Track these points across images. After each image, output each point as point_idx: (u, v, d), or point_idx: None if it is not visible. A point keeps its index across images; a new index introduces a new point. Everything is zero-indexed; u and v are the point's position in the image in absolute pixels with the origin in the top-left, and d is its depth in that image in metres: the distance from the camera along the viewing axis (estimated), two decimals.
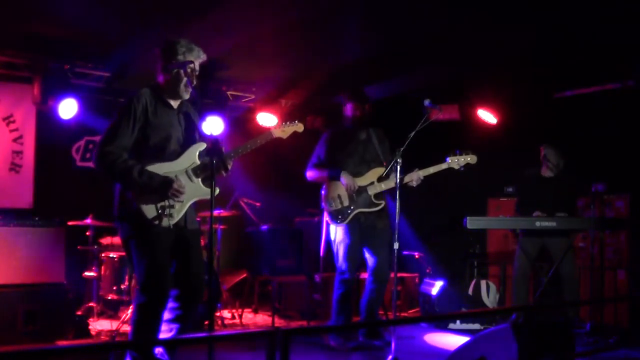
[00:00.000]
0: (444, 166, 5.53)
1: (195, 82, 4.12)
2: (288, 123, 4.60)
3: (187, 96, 4.16)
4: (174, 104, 4.19)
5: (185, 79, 4.06)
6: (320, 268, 6.95)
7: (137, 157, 3.98)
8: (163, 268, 4.01)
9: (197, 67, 4.15)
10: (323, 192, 5.81)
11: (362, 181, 5.70)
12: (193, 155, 4.15)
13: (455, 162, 5.51)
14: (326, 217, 5.83)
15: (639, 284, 6.85)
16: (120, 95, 7.62)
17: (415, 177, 5.53)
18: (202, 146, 4.16)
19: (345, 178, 5.66)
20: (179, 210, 4.08)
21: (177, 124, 4.17)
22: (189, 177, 4.12)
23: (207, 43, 4.25)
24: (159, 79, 4.16)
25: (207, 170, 3.95)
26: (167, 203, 4.00)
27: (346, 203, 5.68)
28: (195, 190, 4.12)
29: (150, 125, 4.02)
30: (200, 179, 4.14)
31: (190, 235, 4.18)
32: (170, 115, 4.15)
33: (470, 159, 5.52)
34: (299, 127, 4.64)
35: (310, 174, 5.93)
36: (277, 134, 4.52)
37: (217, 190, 3.98)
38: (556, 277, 6.44)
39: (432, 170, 5.57)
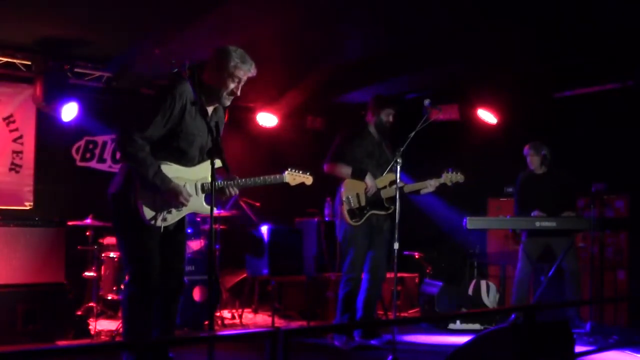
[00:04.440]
0: (441, 181, 5.71)
1: (239, 95, 4.10)
2: (301, 172, 4.62)
3: (227, 104, 4.14)
4: (210, 109, 4.13)
5: (230, 88, 4.04)
6: (335, 266, 6.97)
7: (158, 151, 3.95)
8: (153, 256, 4.00)
9: (244, 80, 4.10)
10: (342, 189, 5.80)
11: (378, 184, 5.79)
12: (208, 168, 4.01)
13: (448, 179, 5.68)
14: (341, 216, 5.82)
15: (639, 284, 6.85)
16: (120, 96, 7.63)
17: (432, 184, 5.73)
18: (219, 163, 4.05)
19: (369, 179, 5.72)
20: (174, 217, 4.08)
21: (207, 131, 4.08)
22: (196, 190, 4.11)
23: (207, 43, 4.25)
24: (205, 77, 4.09)
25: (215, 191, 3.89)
26: (166, 207, 4.00)
27: (363, 203, 5.74)
28: (195, 204, 4.11)
29: (181, 125, 3.97)
30: (204, 195, 4.13)
31: (175, 230, 4.16)
32: (204, 121, 4.06)
33: (460, 178, 5.70)
34: (308, 179, 4.66)
35: (330, 168, 5.89)
36: (287, 179, 4.55)
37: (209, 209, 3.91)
38: (559, 274, 6.46)
39: (432, 183, 5.74)
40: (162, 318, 4.12)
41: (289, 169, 4.57)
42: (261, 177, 4.36)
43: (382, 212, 5.79)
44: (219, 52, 4.06)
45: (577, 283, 6.48)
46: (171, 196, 3.94)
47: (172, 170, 4.00)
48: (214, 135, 4.03)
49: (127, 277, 4.05)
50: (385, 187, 5.79)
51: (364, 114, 6.11)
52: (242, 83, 4.09)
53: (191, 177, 4.10)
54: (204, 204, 4.13)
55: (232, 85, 4.04)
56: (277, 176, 4.49)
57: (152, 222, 3.97)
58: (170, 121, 3.92)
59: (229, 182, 4.14)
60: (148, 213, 3.96)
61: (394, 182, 5.69)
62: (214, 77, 4.05)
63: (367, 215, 5.74)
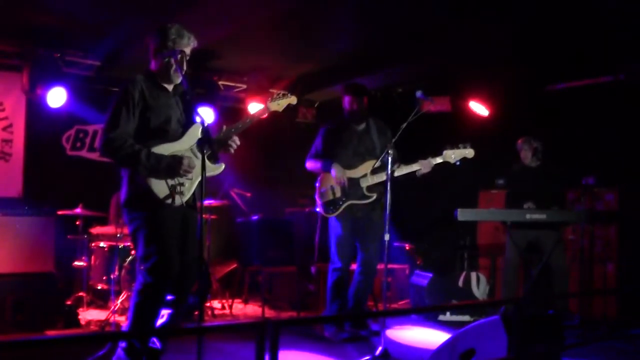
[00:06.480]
0: (437, 160, 5.42)
1: (185, 68, 4.15)
2: (281, 95, 4.61)
3: (178, 80, 4.19)
4: (169, 87, 4.23)
5: (175, 66, 4.08)
6: (315, 258, 6.98)
7: (142, 141, 4.00)
8: (172, 250, 4.03)
9: (188, 53, 4.17)
10: (317, 183, 5.88)
11: (354, 173, 5.69)
12: (195, 133, 4.18)
13: (449, 156, 5.40)
14: (318, 208, 5.90)
15: (627, 276, 6.89)
16: (111, 84, 7.58)
17: (426, 165, 5.42)
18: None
19: (335, 170, 5.66)
20: (189, 188, 4.13)
21: (175, 105, 4.22)
22: (195, 155, 4.14)
23: (198, 33, 4.24)
24: (151, 65, 4.21)
25: (210, 147, 3.97)
26: (177, 181, 4.05)
27: (338, 194, 5.72)
28: (199, 167, 4.10)
29: (149, 108, 4.06)
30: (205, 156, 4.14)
31: (192, 218, 4.20)
32: (167, 97, 4.19)
33: (469, 152, 5.40)
34: (292, 99, 4.66)
35: (308, 165, 6.01)
36: (273, 107, 4.57)
37: (222, 167, 4.24)
38: (546, 270, 6.47)
39: (425, 162, 5.43)
40: (169, 307, 4.13)
41: (269, 99, 4.58)
42: (249, 116, 4.51)
43: (362, 202, 5.69)
44: (156, 34, 4.13)
45: (565, 280, 6.46)
46: (174, 167, 3.99)
47: (164, 149, 4.06)
48: (180, 108, 4.23)
49: (143, 267, 4.05)
50: (364, 175, 5.66)
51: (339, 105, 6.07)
52: (186, 57, 4.16)
53: (183, 147, 4.15)
54: (209, 163, 4.15)
55: (173, 61, 4.09)
56: (262, 108, 4.57)
57: (169, 200, 4.01)
58: (137, 109, 4.02)
59: (222, 134, 4.25)
60: (162, 192, 4.01)
61: (377, 169, 5.60)
62: (158, 59, 4.13)
63: (343, 206, 5.69)
